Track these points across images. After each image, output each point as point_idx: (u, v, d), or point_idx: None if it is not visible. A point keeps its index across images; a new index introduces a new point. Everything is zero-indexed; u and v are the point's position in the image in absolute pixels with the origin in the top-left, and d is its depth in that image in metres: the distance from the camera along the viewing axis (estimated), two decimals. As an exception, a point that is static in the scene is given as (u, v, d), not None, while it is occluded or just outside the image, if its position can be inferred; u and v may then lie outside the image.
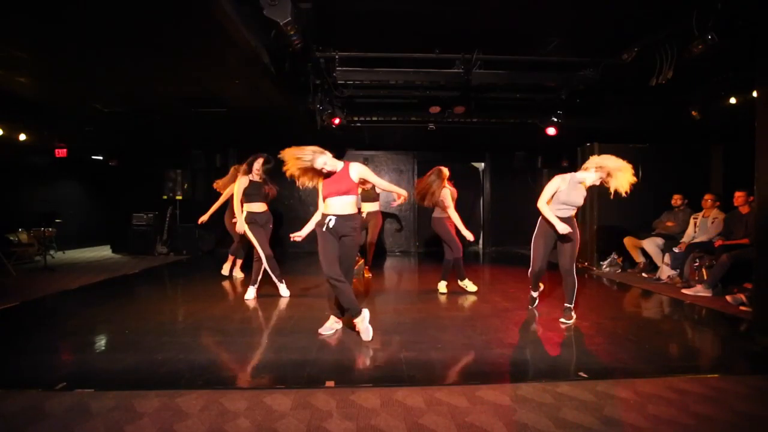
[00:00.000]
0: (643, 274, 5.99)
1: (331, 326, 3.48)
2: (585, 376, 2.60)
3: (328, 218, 3.21)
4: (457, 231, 4.85)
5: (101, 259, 7.82)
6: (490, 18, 4.06)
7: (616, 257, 6.45)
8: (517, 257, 7.98)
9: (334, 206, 3.22)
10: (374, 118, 6.90)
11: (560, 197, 3.67)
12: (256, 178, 4.66)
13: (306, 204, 9.30)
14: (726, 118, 5.79)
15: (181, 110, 5.90)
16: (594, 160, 3.62)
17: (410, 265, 7.56)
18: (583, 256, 6.83)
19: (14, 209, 7.56)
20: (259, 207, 4.65)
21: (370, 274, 6.03)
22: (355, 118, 6.84)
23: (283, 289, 4.78)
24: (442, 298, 4.72)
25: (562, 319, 3.76)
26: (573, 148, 7.01)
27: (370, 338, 3.25)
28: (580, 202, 3.69)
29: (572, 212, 3.75)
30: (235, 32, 3.44)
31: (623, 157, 3.57)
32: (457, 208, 4.84)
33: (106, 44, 3.76)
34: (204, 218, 5.80)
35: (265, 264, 4.57)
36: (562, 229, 3.55)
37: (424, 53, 4.74)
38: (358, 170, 3.26)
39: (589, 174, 3.61)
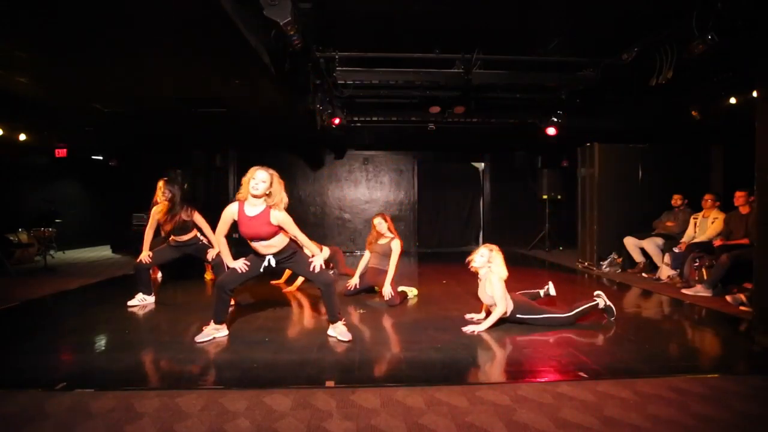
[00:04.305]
0: (643, 274, 5.98)
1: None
2: (585, 376, 2.60)
3: (268, 257, 3.23)
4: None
5: (101, 259, 7.82)
6: (491, 18, 4.06)
7: (616, 257, 6.44)
8: (516, 257, 7.97)
9: (265, 248, 3.20)
10: (374, 118, 6.91)
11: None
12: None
13: (305, 204, 9.30)
14: (726, 118, 5.79)
15: (181, 110, 5.89)
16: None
17: (410, 265, 7.54)
18: (583, 256, 6.84)
19: (14, 209, 7.57)
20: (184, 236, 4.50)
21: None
22: (355, 118, 6.84)
23: (137, 300, 4.35)
24: (442, 299, 4.71)
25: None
26: (573, 148, 7.02)
27: (199, 342, 3.13)
28: (490, 295, 3.50)
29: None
30: (235, 32, 3.44)
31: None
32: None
33: (106, 44, 3.76)
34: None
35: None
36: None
37: (424, 53, 4.75)
38: (278, 218, 3.11)
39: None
